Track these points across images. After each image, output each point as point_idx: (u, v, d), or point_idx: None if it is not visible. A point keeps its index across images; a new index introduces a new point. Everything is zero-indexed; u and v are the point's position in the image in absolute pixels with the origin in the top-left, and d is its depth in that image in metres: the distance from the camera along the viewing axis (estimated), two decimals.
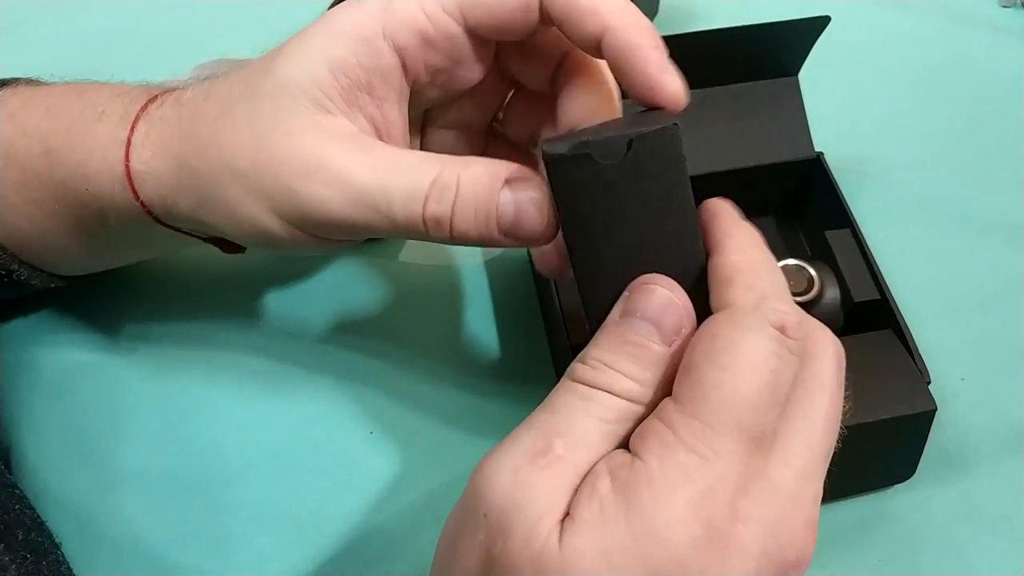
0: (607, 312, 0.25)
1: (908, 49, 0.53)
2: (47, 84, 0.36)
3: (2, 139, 0.33)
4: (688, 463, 0.22)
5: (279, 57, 0.28)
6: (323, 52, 0.27)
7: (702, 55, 0.37)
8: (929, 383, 0.33)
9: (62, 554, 0.33)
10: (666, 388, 0.24)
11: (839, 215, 0.39)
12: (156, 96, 0.32)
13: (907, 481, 0.36)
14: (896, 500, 0.36)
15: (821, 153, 0.40)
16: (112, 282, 0.41)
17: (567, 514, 0.22)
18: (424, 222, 0.27)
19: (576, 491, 0.23)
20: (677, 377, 0.24)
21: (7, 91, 0.35)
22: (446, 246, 0.44)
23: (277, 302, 0.42)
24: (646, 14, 0.57)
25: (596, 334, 0.25)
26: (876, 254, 0.37)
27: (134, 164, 0.30)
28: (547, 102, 0.31)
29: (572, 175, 0.24)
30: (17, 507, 0.33)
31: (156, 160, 0.30)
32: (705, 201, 0.27)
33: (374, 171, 0.27)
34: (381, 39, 0.27)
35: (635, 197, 0.25)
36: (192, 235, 0.33)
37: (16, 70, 0.51)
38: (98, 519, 0.36)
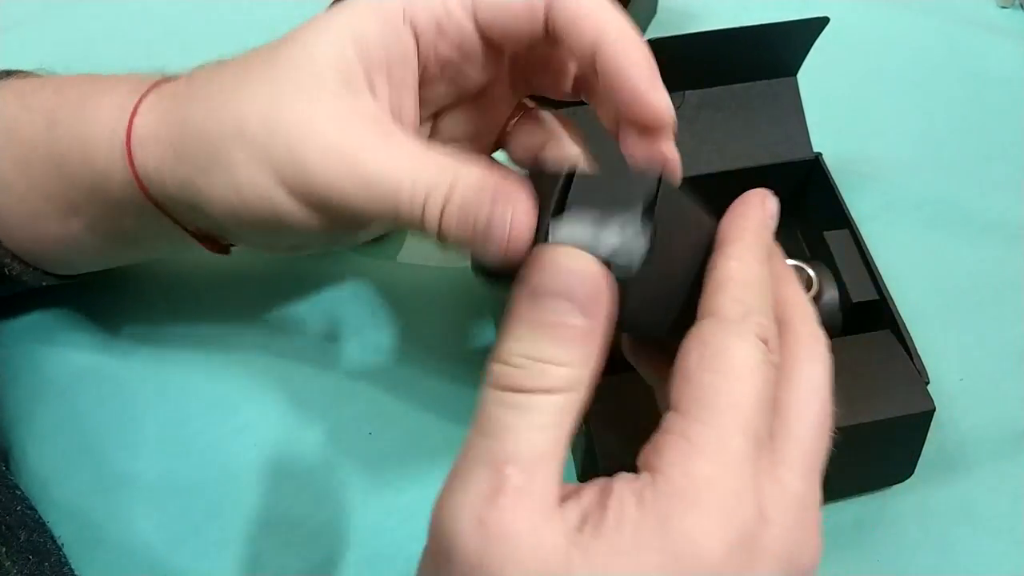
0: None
1: (907, 49, 0.53)
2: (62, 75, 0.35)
3: (6, 116, 0.33)
4: (710, 471, 0.21)
5: (305, 31, 0.29)
6: (350, 29, 0.28)
7: (700, 56, 0.38)
8: (928, 383, 0.33)
9: (64, 555, 0.33)
10: (597, 363, 0.23)
11: (838, 216, 0.39)
12: (176, 77, 0.32)
13: (906, 481, 0.36)
14: (895, 500, 0.36)
15: (820, 153, 0.40)
16: (111, 282, 0.40)
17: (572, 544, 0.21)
18: (423, 220, 0.26)
19: (584, 518, 0.21)
20: (674, 387, 0.23)
21: (15, 78, 0.35)
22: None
23: (276, 303, 0.42)
24: (645, 15, 0.57)
25: (507, 323, 0.23)
26: (875, 255, 0.37)
27: (137, 127, 0.30)
28: (550, 124, 0.32)
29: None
30: (19, 508, 0.33)
31: (161, 124, 0.30)
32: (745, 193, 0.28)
33: (389, 160, 0.27)
34: (402, 21, 0.28)
35: (672, 252, 0.25)
36: (179, 223, 0.32)
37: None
38: (96, 520, 0.36)
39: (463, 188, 0.26)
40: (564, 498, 0.22)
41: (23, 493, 0.35)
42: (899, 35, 0.54)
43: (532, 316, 0.22)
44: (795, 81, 0.40)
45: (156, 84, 0.31)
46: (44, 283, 0.37)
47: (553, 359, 0.22)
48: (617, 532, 0.21)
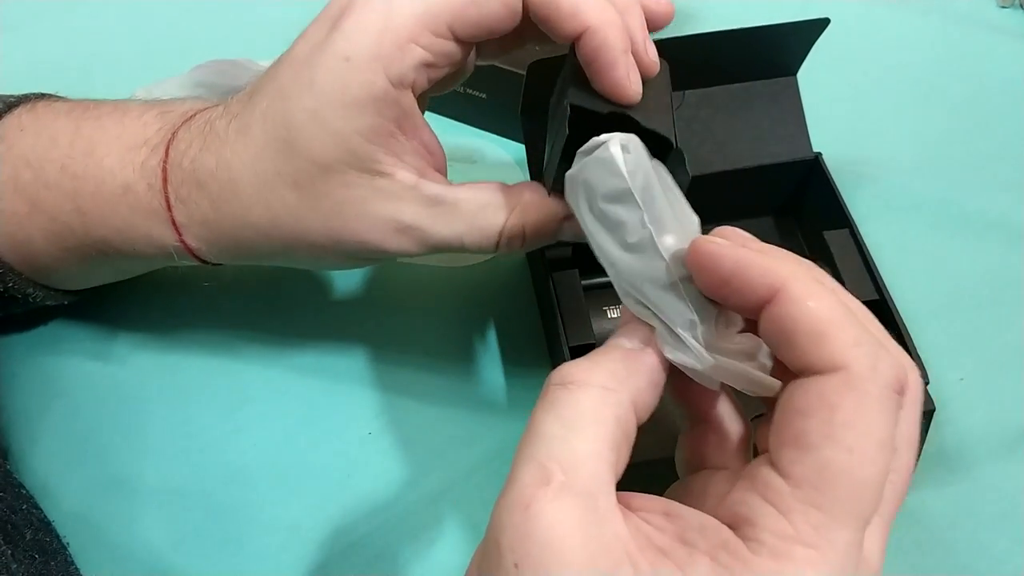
0: None
1: (907, 50, 0.53)
2: (48, 108, 0.35)
3: (24, 185, 0.33)
4: (806, 558, 0.20)
5: (308, 137, 0.29)
6: (351, 126, 0.28)
7: (700, 56, 0.38)
8: (928, 383, 0.33)
9: (70, 554, 0.34)
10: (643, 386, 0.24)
11: (837, 215, 0.39)
12: (167, 151, 0.32)
13: None
14: None
15: (819, 153, 0.40)
16: (113, 285, 0.40)
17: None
18: (498, 247, 0.31)
19: (656, 549, 0.21)
20: (784, 449, 0.21)
21: (11, 126, 0.34)
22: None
23: (275, 303, 0.42)
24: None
25: None
26: (874, 255, 0.37)
27: (190, 242, 0.32)
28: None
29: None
30: (24, 507, 0.33)
31: (210, 239, 0.32)
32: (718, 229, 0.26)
33: (448, 226, 0.31)
34: (392, 89, 0.28)
35: None
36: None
37: (16, 70, 0.51)
38: (98, 520, 0.36)
39: (533, 223, 0.31)
40: (627, 509, 0.22)
41: (28, 492, 0.35)
42: (899, 35, 0.54)
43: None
44: (795, 80, 0.40)
45: (164, 179, 0.32)
46: (67, 301, 0.38)
47: (590, 358, 0.24)
48: None
